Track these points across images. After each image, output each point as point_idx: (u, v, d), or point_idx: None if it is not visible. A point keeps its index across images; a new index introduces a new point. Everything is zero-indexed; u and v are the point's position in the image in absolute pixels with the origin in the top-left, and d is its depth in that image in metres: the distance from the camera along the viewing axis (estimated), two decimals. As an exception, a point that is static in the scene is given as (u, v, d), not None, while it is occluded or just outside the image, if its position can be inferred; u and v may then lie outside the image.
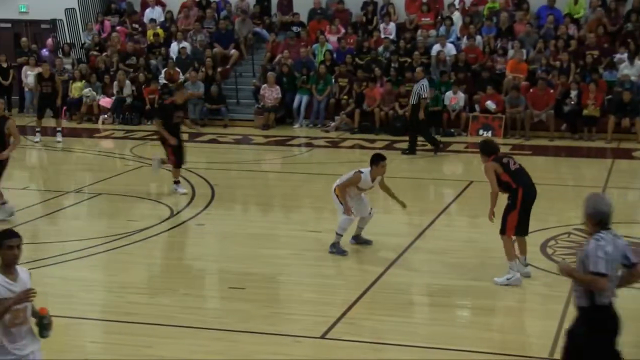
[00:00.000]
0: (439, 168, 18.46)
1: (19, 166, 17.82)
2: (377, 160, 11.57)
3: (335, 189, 11.61)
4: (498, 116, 21.20)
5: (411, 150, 19.02)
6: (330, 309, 9.61)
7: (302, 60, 23.34)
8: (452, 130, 21.31)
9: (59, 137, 20.70)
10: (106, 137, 21.88)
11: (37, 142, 20.46)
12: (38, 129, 20.75)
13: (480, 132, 21.19)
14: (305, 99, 22.73)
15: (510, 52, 22.58)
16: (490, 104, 21.22)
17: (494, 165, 10.35)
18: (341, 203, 11.49)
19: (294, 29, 24.75)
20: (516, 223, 10.28)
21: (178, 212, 13.81)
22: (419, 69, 19.75)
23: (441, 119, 21.34)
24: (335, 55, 23.45)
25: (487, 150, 10.60)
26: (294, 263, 11.42)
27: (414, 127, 19.24)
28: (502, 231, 10.35)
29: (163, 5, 26.61)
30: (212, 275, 11.32)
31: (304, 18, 25.43)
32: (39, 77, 21.13)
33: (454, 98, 21.48)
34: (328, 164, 17.99)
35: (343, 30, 24.46)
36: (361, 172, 11.50)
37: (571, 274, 6.52)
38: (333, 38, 24.24)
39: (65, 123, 22.13)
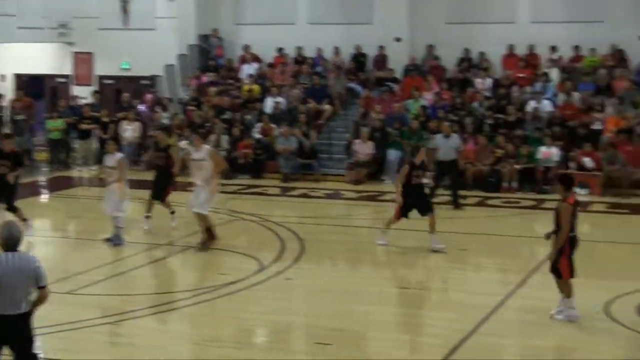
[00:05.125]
0: (532, 226, 18.05)
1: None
2: None
3: None
4: (595, 174, 20.71)
5: (458, 204, 18.88)
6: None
7: (395, 115, 23.33)
8: (546, 187, 20.84)
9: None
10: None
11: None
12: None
13: (577, 189, 20.69)
14: (397, 154, 22.68)
15: (609, 109, 22.12)
16: (587, 161, 20.76)
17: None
18: None
19: (389, 84, 24.83)
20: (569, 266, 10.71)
21: (267, 266, 13.85)
22: (446, 124, 19.91)
23: (535, 176, 20.98)
24: (430, 111, 23.37)
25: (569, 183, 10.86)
26: (382, 320, 11.27)
27: (457, 182, 19.14)
28: (560, 275, 10.74)
29: (260, 62, 27.05)
30: (299, 330, 11.26)
31: (399, 74, 25.49)
32: (155, 146, 17.17)
33: (547, 152, 21.09)
34: (419, 221, 17.80)
35: (437, 88, 24.39)
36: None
37: None
38: (428, 94, 24.19)
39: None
